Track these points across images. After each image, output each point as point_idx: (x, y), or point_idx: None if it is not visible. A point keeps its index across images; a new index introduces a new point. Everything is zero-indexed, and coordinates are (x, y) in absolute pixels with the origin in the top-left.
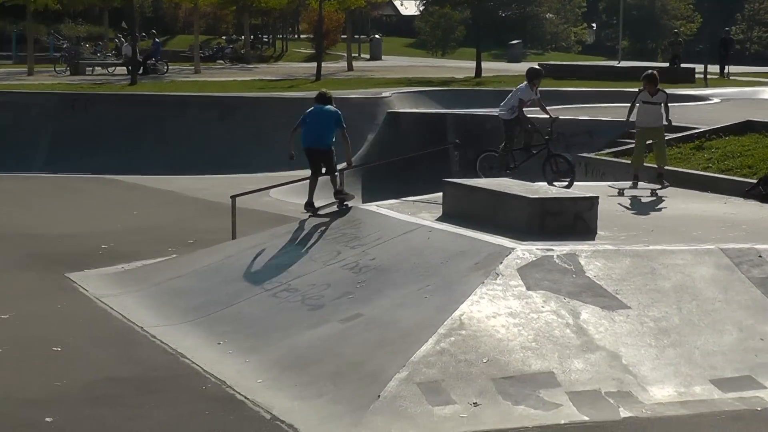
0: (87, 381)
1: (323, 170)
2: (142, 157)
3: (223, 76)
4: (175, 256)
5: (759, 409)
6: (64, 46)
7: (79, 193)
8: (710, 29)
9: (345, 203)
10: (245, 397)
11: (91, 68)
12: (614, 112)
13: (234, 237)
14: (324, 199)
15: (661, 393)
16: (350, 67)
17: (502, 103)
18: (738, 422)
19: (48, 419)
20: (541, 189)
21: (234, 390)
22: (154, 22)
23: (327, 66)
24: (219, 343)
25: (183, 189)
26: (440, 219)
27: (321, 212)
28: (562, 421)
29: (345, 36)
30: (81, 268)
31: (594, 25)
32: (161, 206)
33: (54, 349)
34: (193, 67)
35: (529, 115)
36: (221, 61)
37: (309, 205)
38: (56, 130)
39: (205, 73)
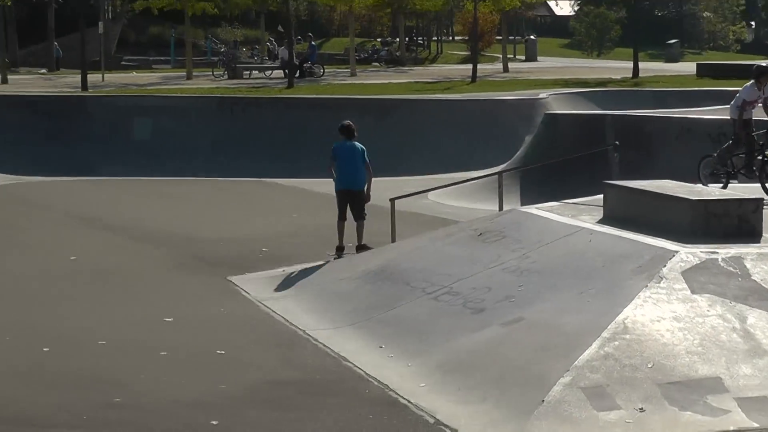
0: (251, 384)
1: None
2: (300, 159)
3: (378, 78)
4: (334, 258)
5: None
6: (222, 50)
7: (238, 196)
8: None
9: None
10: (408, 401)
11: (248, 72)
12: None
13: (393, 240)
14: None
15: None
16: (506, 69)
17: (731, 102)
18: None
19: (213, 422)
20: (704, 191)
21: (397, 394)
22: (310, 25)
23: (482, 68)
24: (381, 347)
25: None
26: (601, 222)
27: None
28: (731, 428)
29: (500, 37)
30: (242, 271)
31: (753, 23)
32: (320, 209)
33: (218, 352)
34: (348, 70)
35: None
36: (376, 64)
37: (340, 250)
38: (215, 134)
39: (361, 75)
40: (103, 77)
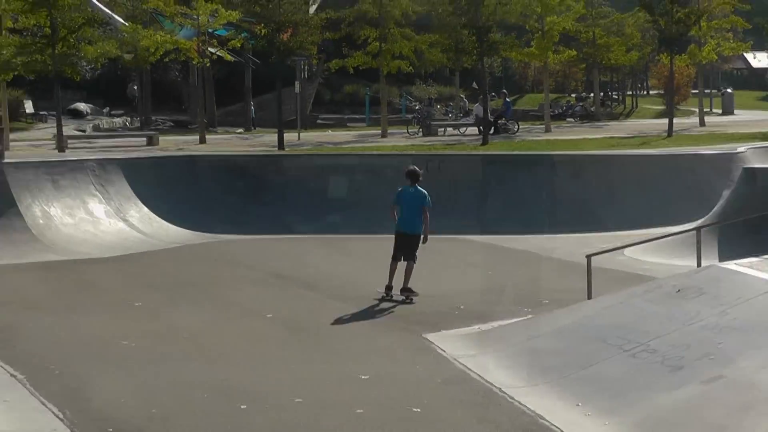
0: None
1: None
2: (492, 215)
3: (573, 134)
4: (531, 316)
5: None
6: (416, 107)
7: (436, 253)
8: None
9: (411, 299)
10: None
11: (443, 129)
12: None
13: (590, 297)
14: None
15: None
16: (702, 123)
17: None
18: None
19: None
20: None
21: None
22: (504, 81)
23: (678, 122)
24: (578, 405)
25: (536, 248)
26: None
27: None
28: None
29: (696, 91)
30: (438, 328)
31: None
32: (515, 265)
33: (414, 410)
34: (543, 126)
35: None
36: (571, 119)
37: (389, 289)
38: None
39: (556, 131)
40: (299, 136)
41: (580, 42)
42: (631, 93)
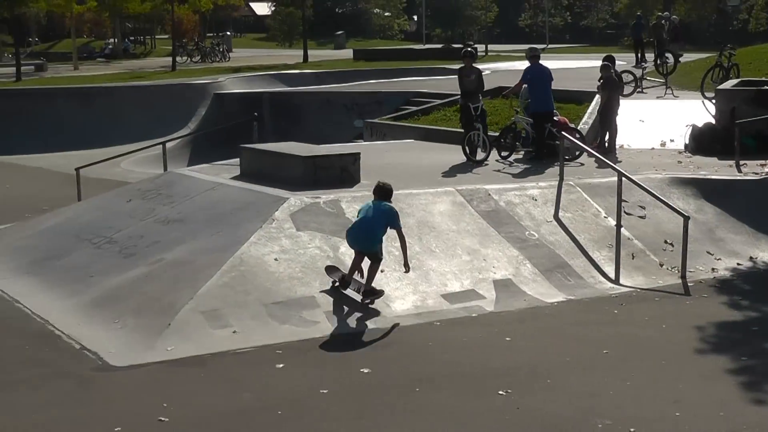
0: None
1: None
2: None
3: (96, 71)
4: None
5: (475, 315)
6: None
7: None
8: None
9: (370, 300)
10: (62, 332)
11: None
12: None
13: (79, 200)
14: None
15: (402, 307)
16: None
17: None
18: (458, 326)
19: None
20: (315, 149)
21: (54, 327)
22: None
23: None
24: (50, 290)
25: (49, 165)
26: (236, 177)
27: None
28: (318, 335)
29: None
30: None
31: (415, 17)
32: (29, 180)
33: None
34: (72, 65)
35: None
36: (101, 59)
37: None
38: None
39: (83, 68)
40: None
41: None
42: (150, 37)
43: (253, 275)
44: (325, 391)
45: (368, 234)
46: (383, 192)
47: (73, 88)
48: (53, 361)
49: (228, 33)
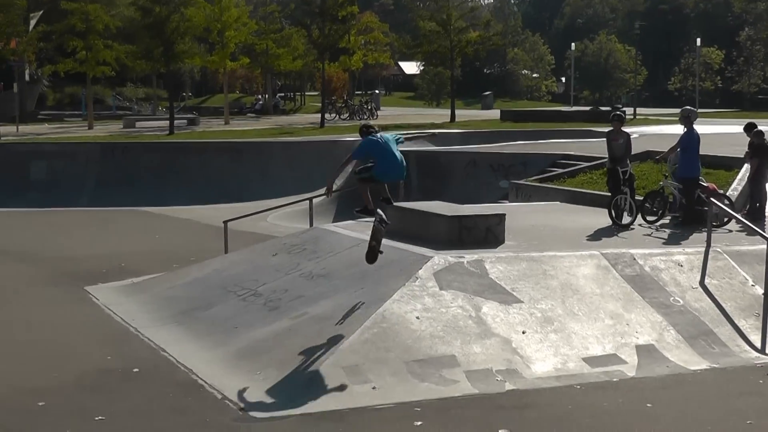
0: (80, 372)
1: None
2: (167, 191)
3: (246, 126)
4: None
5: (616, 380)
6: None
7: (111, 223)
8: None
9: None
10: (205, 382)
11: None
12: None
13: (226, 252)
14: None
15: (542, 369)
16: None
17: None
18: (599, 391)
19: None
20: (460, 208)
21: (198, 376)
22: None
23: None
24: (195, 339)
25: (198, 217)
26: None
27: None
28: (458, 394)
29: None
30: (97, 282)
31: (563, 78)
32: (179, 231)
33: (58, 346)
34: (223, 119)
35: None
36: (251, 114)
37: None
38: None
39: (233, 123)
40: (17, 128)
41: (256, 52)
42: (300, 93)
43: (395, 332)
44: None
45: (402, 162)
46: (367, 128)
47: (224, 142)
48: (196, 410)
49: (377, 91)
